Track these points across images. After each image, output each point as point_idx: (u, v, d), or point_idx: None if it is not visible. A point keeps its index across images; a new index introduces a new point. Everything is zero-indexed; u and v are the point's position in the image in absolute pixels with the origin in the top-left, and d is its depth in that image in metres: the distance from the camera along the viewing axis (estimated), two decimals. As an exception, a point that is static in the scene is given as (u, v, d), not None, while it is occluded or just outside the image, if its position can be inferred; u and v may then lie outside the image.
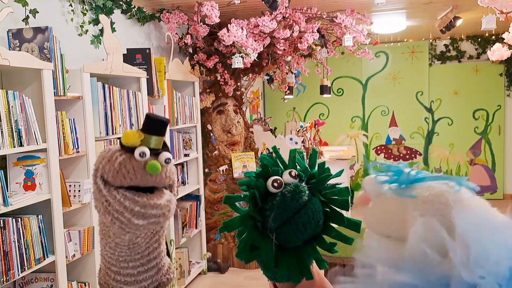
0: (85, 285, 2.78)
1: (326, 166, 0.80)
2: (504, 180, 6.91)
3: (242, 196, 0.79)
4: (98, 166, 0.72)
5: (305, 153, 5.46)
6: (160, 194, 0.71)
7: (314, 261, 0.80)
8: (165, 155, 0.71)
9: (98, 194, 0.72)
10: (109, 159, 0.70)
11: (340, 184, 0.81)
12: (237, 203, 0.81)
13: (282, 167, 0.82)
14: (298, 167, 0.82)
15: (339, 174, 0.81)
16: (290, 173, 0.79)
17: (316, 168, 0.82)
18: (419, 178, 0.71)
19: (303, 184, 0.78)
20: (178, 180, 4.27)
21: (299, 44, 4.25)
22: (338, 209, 0.79)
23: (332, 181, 0.81)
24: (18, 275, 2.24)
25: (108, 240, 0.76)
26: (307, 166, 0.82)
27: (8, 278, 2.18)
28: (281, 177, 0.79)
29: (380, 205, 0.72)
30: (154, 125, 0.70)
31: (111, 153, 0.71)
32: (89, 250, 2.75)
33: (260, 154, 5.23)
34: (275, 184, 0.77)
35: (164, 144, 0.73)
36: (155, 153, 0.71)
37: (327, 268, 0.73)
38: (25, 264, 2.29)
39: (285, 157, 0.83)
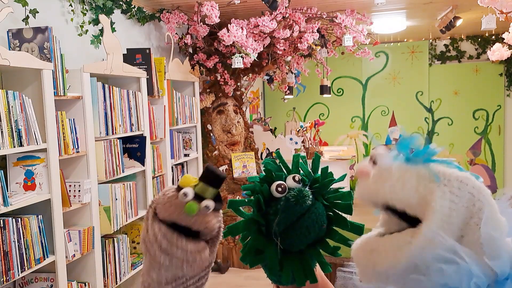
0: (85, 285, 2.78)
1: (329, 171, 0.81)
2: (504, 180, 6.92)
3: (246, 200, 0.80)
4: (154, 199, 0.79)
5: (305, 153, 5.46)
6: (195, 242, 0.74)
7: (317, 265, 0.80)
8: (206, 202, 0.74)
9: (146, 222, 0.77)
10: (164, 193, 0.77)
11: (343, 188, 0.81)
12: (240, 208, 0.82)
13: (285, 172, 0.82)
14: (301, 172, 0.83)
15: (342, 178, 0.81)
16: (293, 178, 0.79)
17: (319, 172, 0.82)
18: (439, 159, 0.72)
19: (307, 188, 0.79)
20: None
21: (299, 44, 4.25)
22: (341, 213, 0.80)
23: (334, 185, 0.81)
24: (18, 275, 2.24)
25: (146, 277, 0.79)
26: (310, 170, 0.82)
27: (8, 278, 2.18)
28: (285, 182, 0.79)
29: (392, 173, 0.72)
30: (211, 177, 0.75)
31: (168, 189, 0.78)
32: (89, 250, 2.75)
33: (260, 154, 5.23)
34: (279, 189, 0.77)
35: (218, 197, 0.77)
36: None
37: (331, 271, 0.74)
38: (25, 264, 2.28)
39: (286, 158, 0.84)
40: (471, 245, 0.68)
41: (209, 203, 0.73)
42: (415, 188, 0.70)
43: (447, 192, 0.69)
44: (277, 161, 0.84)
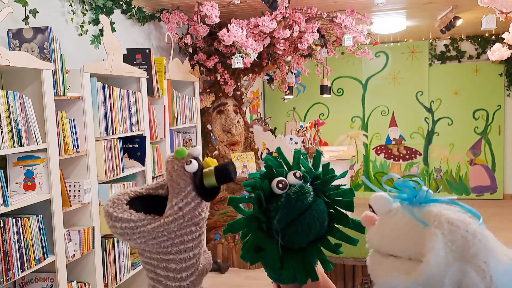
0: (85, 285, 2.77)
1: (330, 167, 0.80)
2: (504, 180, 6.91)
3: (246, 197, 0.79)
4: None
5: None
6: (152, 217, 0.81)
7: (318, 263, 0.79)
8: (196, 150, 0.81)
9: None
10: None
11: (344, 185, 0.80)
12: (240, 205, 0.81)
13: (286, 168, 0.81)
14: (302, 168, 0.81)
15: (343, 175, 0.81)
16: (294, 174, 0.78)
17: (320, 169, 0.81)
18: (436, 199, 0.70)
19: (308, 185, 0.78)
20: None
21: (299, 44, 4.25)
22: (342, 210, 0.79)
23: (336, 182, 0.81)
24: (18, 275, 2.24)
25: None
26: (311, 167, 0.81)
27: (8, 278, 2.17)
28: (286, 178, 0.78)
29: (388, 222, 0.70)
30: (222, 174, 0.80)
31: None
32: (89, 250, 2.75)
33: (260, 154, 5.23)
34: (280, 185, 0.76)
35: (214, 190, 0.85)
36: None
37: (332, 269, 0.73)
38: (25, 264, 2.28)
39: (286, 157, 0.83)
40: None
41: (193, 162, 0.78)
42: (409, 237, 0.69)
43: (439, 235, 0.67)
44: (278, 157, 0.83)
